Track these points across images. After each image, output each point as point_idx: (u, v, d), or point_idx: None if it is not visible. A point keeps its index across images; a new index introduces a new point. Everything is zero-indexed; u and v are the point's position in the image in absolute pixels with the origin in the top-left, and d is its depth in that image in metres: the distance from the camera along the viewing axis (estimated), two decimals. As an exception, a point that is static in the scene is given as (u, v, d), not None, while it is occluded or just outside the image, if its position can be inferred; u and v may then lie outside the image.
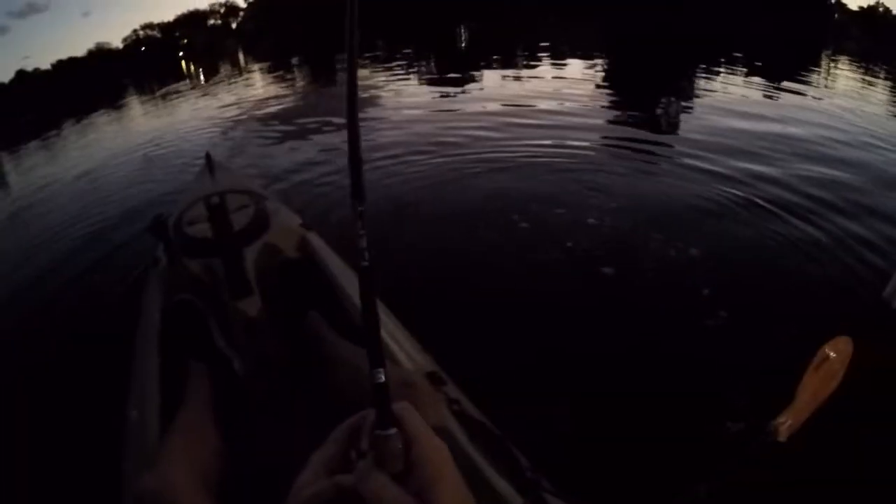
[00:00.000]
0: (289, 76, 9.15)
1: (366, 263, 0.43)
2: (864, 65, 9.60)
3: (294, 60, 10.08)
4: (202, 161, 2.32)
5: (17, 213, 4.99)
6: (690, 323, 2.13)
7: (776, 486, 1.43)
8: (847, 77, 8.32)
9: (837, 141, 4.38)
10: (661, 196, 3.30)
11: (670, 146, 4.48)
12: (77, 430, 1.71)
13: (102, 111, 11.51)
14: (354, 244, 0.42)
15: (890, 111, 5.97)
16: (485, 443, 1.06)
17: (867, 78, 8.34)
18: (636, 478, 1.39)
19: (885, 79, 8.35)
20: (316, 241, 1.76)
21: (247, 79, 9.01)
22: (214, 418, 1.09)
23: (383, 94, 6.86)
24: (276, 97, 7.13)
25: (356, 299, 1.41)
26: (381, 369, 0.41)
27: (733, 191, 3.37)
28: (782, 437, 1.16)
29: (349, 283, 1.51)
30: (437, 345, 1.44)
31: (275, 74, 8.98)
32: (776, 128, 4.79)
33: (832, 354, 1.24)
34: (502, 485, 0.96)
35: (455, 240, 2.86)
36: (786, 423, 1.16)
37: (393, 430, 0.39)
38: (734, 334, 2.04)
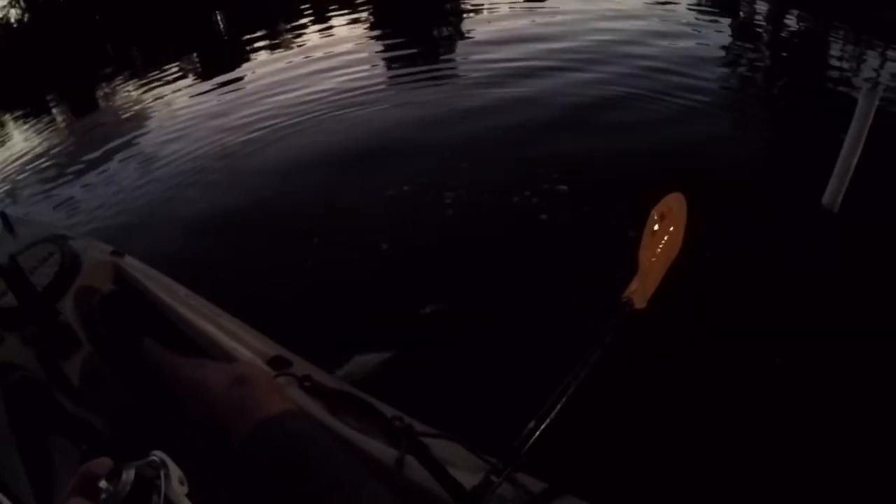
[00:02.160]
0: (49, 117, 8.22)
1: None
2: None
3: (53, 104, 9.04)
4: None
5: None
6: (528, 217, 2.22)
7: (644, 352, 1.50)
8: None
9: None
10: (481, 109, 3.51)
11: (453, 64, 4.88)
12: None
13: None
14: None
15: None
16: (347, 409, 1.05)
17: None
18: (507, 392, 1.39)
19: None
20: (131, 264, 1.67)
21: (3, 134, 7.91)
22: None
23: (153, 106, 6.24)
24: (45, 143, 6.35)
25: (183, 311, 1.40)
26: None
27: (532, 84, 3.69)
28: (638, 306, 1.16)
29: (175, 297, 1.49)
30: (275, 327, 1.39)
31: (32, 120, 8.03)
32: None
33: (666, 213, 1.25)
34: (374, 444, 0.95)
35: (268, 208, 2.86)
36: (637, 292, 1.15)
37: None
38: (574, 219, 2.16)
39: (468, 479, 0.84)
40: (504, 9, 7.11)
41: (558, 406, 0.92)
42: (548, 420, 0.91)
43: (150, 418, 1.32)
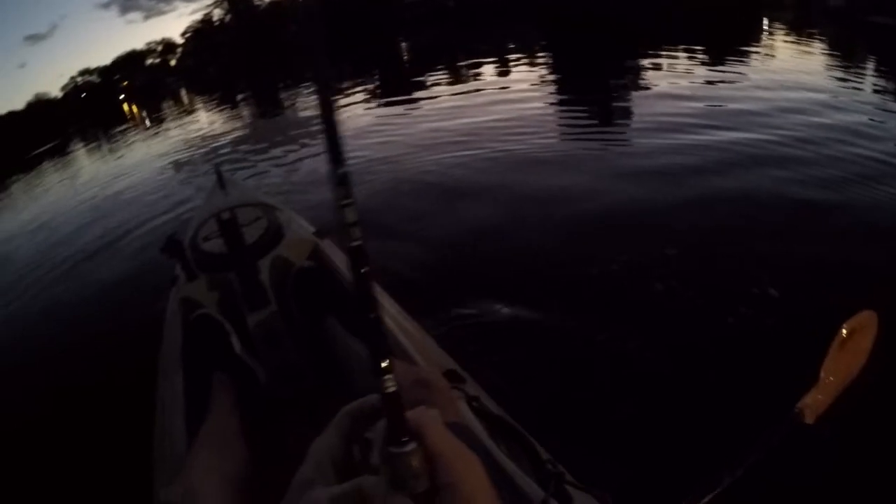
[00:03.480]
0: (237, 108, 9.34)
1: (357, 242, 0.33)
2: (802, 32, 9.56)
3: (240, 95, 10.23)
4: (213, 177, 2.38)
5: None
6: (707, 312, 2.10)
7: (804, 472, 1.40)
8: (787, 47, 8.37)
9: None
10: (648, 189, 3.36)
11: (623, 133, 4.69)
12: (108, 447, 1.79)
13: (49, 162, 11.62)
14: (338, 219, 0.33)
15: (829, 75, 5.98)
16: (506, 439, 1.05)
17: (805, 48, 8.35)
18: (659, 469, 1.37)
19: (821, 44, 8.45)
20: (330, 248, 1.77)
21: (194, 118, 9.15)
22: (240, 428, 1.10)
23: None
24: (231, 128, 7.25)
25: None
26: (391, 376, 0.34)
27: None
28: (808, 420, 1.11)
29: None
30: (453, 342, 1.48)
31: (225, 108, 9.15)
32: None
33: (856, 330, 1.19)
34: (525, 480, 0.94)
35: (460, 236, 2.89)
36: (811, 405, 1.11)
37: (411, 446, 0.34)
38: (754, 319, 2.01)
39: None
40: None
41: (710, 496, 0.93)
42: None
43: (307, 388, 1.39)
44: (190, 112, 9.84)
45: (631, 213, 3.08)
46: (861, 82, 5.83)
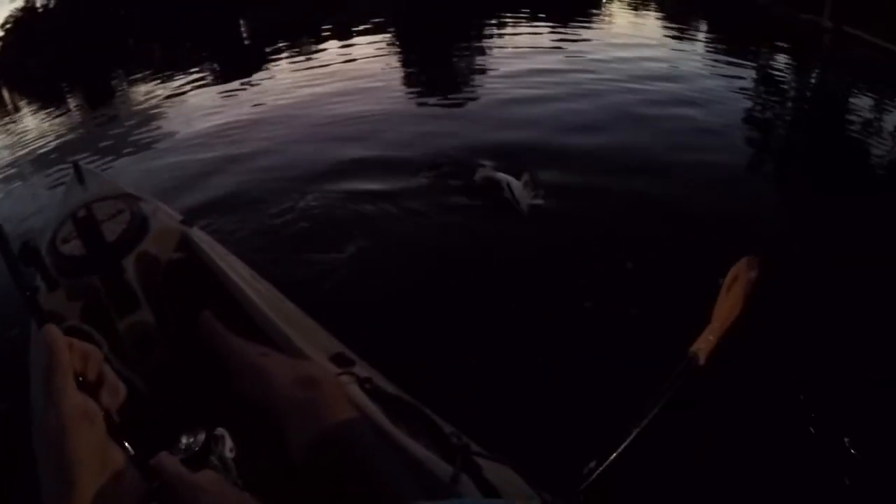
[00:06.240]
0: (63, 103, 8.43)
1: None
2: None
3: (66, 85, 9.20)
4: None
5: None
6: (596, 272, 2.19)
7: (699, 411, 1.50)
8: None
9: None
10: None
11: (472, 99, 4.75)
12: None
13: None
14: None
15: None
16: (404, 417, 1.03)
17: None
18: (566, 429, 1.40)
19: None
20: (199, 236, 1.64)
21: (23, 115, 8.12)
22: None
23: (167, 103, 6.35)
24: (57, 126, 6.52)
25: (249, 292, 1.37)
26: None
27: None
28: (701, 362, 1.18)
29: (239, 276, 1.45)
30: (339, 325, 1.38)
31: (61, 101, 8.22)
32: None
33: (739, 275, 1.26)
34: (430, 458, 0.93)
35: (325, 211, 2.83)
36: (703, 348, 1.17)
37: None
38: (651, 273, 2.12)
39: None
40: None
41: (619, 450, 0.95)
42: (607, 463, 0.93)
43: (194, 388, 1.30)
44: (16, 111, 8.51)
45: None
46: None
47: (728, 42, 6.32)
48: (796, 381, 1.59)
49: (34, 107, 8.32)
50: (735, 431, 1.46)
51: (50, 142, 5.81)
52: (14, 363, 1.45)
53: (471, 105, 4.43)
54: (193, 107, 5.97)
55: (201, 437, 0.77)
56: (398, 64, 6.72)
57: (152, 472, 0.52)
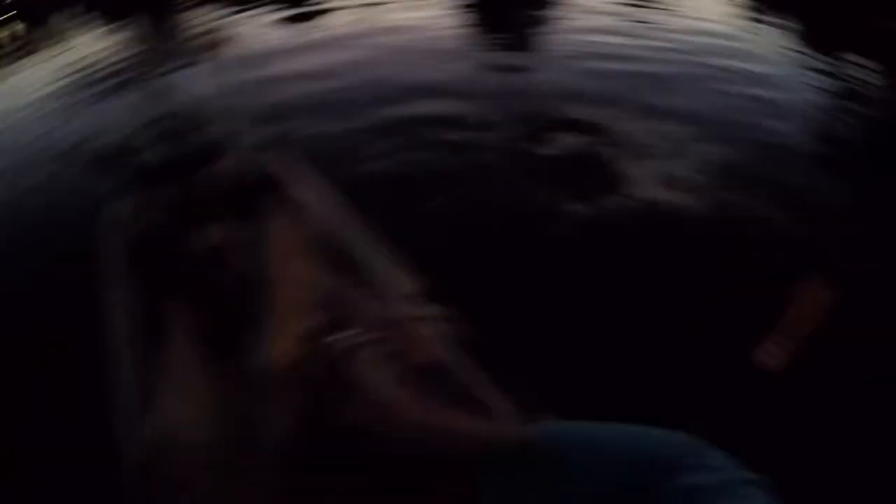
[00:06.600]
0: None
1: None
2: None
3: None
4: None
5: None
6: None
7: (765, 417, 1.50)
8: None
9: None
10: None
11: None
12: (57, 393, 1.62)
13: None
14: None
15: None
16: (479, 359, 1.06)
17: None
18: (636, 408, 1.44)
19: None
20: (274, 159, 1.68)
21: None
22: (202, 349, 1.08)
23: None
24: None
25: (317, 207, 1.40)
26: None
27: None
28: (768, 367, 1.23)
29: (308, 193, 1.48)
30: (424, 261, 1.33)
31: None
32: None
33: (809, 291, 1.31)
34: (499, 401, 0.97)
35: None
36: (771, 354, 1.23)
37: None
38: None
39: None
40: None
41: None
42: None
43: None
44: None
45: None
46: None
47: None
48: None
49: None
50: (802, 447, 1.45)
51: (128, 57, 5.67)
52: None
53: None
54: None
55: None
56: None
57: None
